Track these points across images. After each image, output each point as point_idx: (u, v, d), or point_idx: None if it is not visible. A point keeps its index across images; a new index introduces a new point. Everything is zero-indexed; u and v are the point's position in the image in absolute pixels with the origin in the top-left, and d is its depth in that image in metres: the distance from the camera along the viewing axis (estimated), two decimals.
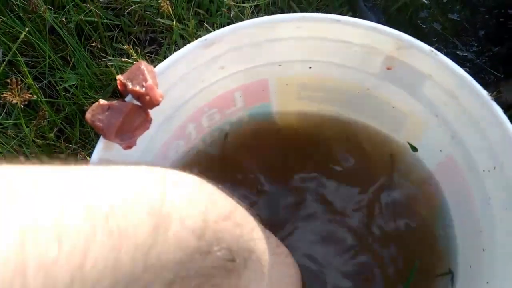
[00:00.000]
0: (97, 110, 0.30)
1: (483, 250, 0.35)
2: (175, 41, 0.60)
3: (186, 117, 0.40)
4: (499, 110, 0.31)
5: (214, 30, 0.36)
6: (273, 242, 0.28)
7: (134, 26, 0.63)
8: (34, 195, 0.14)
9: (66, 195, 0.15)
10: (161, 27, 0.63)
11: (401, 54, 0.35)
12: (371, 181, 0.42)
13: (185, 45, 0.35)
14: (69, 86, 0.58)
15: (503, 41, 0.58)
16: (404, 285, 0.38)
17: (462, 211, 0.38)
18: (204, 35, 0.35)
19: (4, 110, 0.58)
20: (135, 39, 0.63)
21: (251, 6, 0.61)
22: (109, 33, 0.62)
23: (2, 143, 0.53)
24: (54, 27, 0.59)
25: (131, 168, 0.19)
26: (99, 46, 0.60)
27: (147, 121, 0.32)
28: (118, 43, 0.62)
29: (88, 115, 0.30)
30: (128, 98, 0.32)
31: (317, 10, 0.62)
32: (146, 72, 0.31)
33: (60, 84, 0.58)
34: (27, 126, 0.53)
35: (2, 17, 0.59)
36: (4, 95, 0.42)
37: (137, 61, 0.32)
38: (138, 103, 0.31)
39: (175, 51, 0.35)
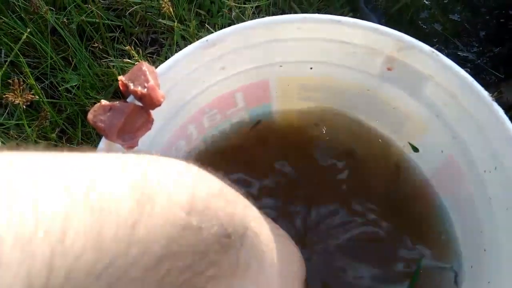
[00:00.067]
0: (99, 111, 0.31)
1: (484, 250, 0.35)
2: (176, 42, 0.60)
3: (187, 117, 0.40)
4: (500, 111, 0.32)
5: (215, 31, 0.36)
6: (271, 223, 0.28)
7: (136, 27, 0.64)
8: (11, 172, 0.15)
9: (44, 171, 0.15)
10: (162, 28, 0.63)
11: (402, 55, 0.35)
12: (372, 181, 0.42)
13: (186, 46, 0.35)
14: (70, 86, 0.59)
15: (503, 41, 0.59)
16: (409, 285, 0.38)
17: (462, 211, 0.38)
18: (205, 35, 0.35)
19: (6, 111, 0.58)
20: (136, 40, 0.63)
21: (252, 7, 0.61)
22: (110, 34, 0.63)
23: (4, 144, 0.53)
24: (55, 28, 0.59)
25: (111, 154, 0.19)
26: (100, 47, 0.60)
27: (148, 121, 0.32)
28: (119, 44, 0.62)
29: (90, 116, 0.30)
30: (130, 98, 0.32)
31: (318, 11, 0.62)
32: (147, 72, 0.31)
33: (62, 85, 0.59)
34: (29, 127, 0.53)
35: (4, 18, 0.59)
36: (7, 95, 0.43)
37: (139, 61, 0.32)
38: (139, 103, 0.31)
39: (176, 52, 0.35)
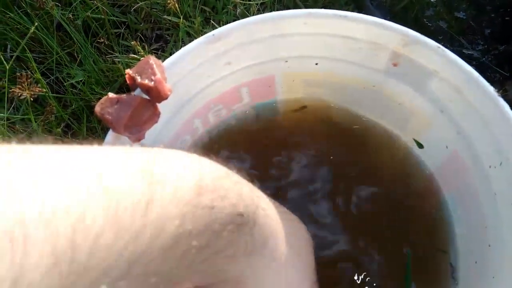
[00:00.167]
0: (106, 103, 0.31)
1: (489, 245, 0.35)
2: (181, 38, 0.60)
3: (193, 112, 0.40)
4: (505, 106, 0.32)
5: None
6: (274, 202, 0.28)
7: (141, 23, 0.64)
8: (31, 160, 0.16)
9: (63, 159, 0.16)
10: (167, 24, 0.63)
11: (408, 50, 0.35)
12: (376, 176, 0.42)
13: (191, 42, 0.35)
14: (76, 82, 0.59)
15: (509, 39, 0.59)
16: (404, 277, 0.38)
17: (467, 207, 0.38)
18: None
19: (12, 105, 0.58)
20: (141, 36, 0.63)
21: (257, 4, 0.61)
22: (115, 30, 0.63)
23: (10, 138, 0.53)
24: (61, 23, 0.60)
25: (118, 146, 0.20)
26: (106, 43, 0.60)
27: (155, 114, 0.32)
28: (124, 40, 0.62)
29: (97, 108, 0.31)
30: (137, 91, 0.32)
31: (323, 7, 0.62)
32: (154, 66, 0.31)
33: (67, 80, 0.59)
34: (35, 121, 0.53)
35: (10, 13, 0.60)
36: (13, 89, 0.43)
37: (144, 57, 0.32)
38: (146, 96, 0.32)
39: (181, 48, 0.35)
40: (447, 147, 0.39)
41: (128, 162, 0.18)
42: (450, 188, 0.40)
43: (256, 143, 0.43)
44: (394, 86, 0.39)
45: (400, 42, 0.35)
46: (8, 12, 0.60)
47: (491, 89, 0.32)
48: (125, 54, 0.61)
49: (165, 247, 0.18)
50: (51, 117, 0.53)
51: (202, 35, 0.35)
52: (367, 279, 0.38)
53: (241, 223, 0.22)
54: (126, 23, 0.64)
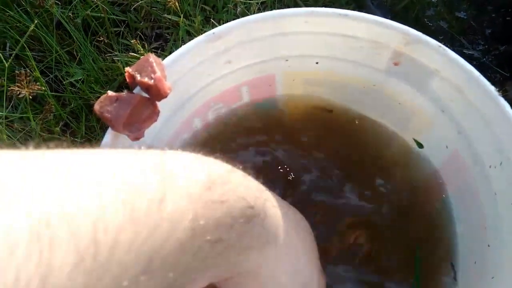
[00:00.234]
0: (106, 102, 0.31)
1: (488, 245, 0.35)
2: (181, 37, 0.60)
3: (193, 110, 0.40)
4: (506, 106, 0.31)
5: None
6: (276, 196, 0.29)
7: (141, 22, 0.64)
8: (50, 163, 0.17)
9: (75, 160, 0.17)
10: (167, 23, 0.63)
11: (409, 49, 0.35)
12: (376, 176, 0.42)
13: None
14: (75, 80, 0.59)
15: (509, 40, 0.58)
16: (413, 278, 0.38)
17: (467, 207, 0.38)
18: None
19: (11, 104, 0.58)
20: (141, 35, 0.63)
21: (258, 3, 0.61)
22: (115, 29, 0.63)
23: (9, 136, 0.53)
24: (61, 22, 0.60)
25: (126, 149, 0.21)
26: (105, 41, 0.60)
27: (155, 113, 0.32)
28: (124, 38, 0.62)
29: (96, 107, 0.30)
30: (136, 90, 0.32)
31: (323, 6, 0.62)
32: (154, 64, 0.31)
33: (67, 79, 0.59)
34: (33, 120, 0.53)
35: (9, 12, 0.60)
36: (12, 88, 0.43)
37: (143, 55, 0.32)
38: (146, 95, 0.31)
39: (181, 47, 0.35)
40: (447, 146, 0.39)
41: (140, 160, 0.19)
42: (450, 188, 0.40)
43: (256, 142, 0.42)
44: (395, 85, 0.39)
45: (401, 41, 0.35)
46: (7, 10, 0.60)
47: (492, 88, 0.32)
48: (124, 53, 0.60)
49: (181, 241, 0.18)
50: (49, 115, 0.53)
51: (202, 34, 0.35)
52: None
53: (252, 216, 0.23)
54: (126, 21, 0.63)
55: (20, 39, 0.56)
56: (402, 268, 0.39)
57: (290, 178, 0.41)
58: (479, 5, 0.60)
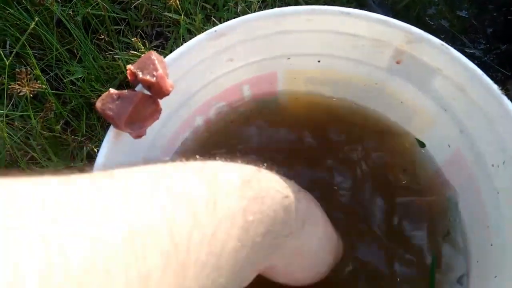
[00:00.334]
0: (107, 99, 0.30)
1: (491, 244, 0.35)
2: (182, 35, 0.60)
3: (194, 109, 0.40)
4: (509, 104, 0.31)
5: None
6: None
7: (141, 20, 0.64)
8: (133, 181, 0.19)
9: (144, 178, 0.20)
10: (168, 21, 0.63)
11: (411, 48, 0.35)
12: (378, 175, 0.42)
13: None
14: (75, 79, 0.58)
15: (511, 39, 0.58)
16: (429, 283, 0.38)
17: (470, 206, 0.38)
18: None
19: (11, 102, 0.58)
20: (141, 33, 0.63)
21: (258, 1, 0.61)
22: (115, 27, 0.62)
23: (9, 135, 0.53)
24: (61, 20, 0.59)
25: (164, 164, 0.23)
26: (106, 40, 0.60)
27: (157, 111, 0.32)
28: (124, 36, 0.62)
29: (98, 104, 0.30)
30: (138, 87, 0.32)
31: (325, 5, 0.62)
32: (156, 62, 0.31)
33: (67, 77, 0.59)
34: (34, 118, 0.53)
35: (9, 9, 0.59)
36: (13, 86, 0.43)
37: (144, 53, 0.32)
38: (148, 93, 0.31)
39: (181, 45, 0.35)
40: (449, 145, 0.38)
41: (188, 170, 0.22)
42: (452, 187, 0.40)
43: (258, 140, 0.42)
44: (397, 84, 0.39)
45: (403, 40, 0.35)
46: (7, 8, 0.59)
47: (494, 87, 0.32)
48: (125, 51, 0.60)
49: (239, 238, 0.21)
50: (50, 114, 0.53)
51: (202, 32, 0.35)
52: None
53: (288, 205, 0.26)
54: (126, 19, 0.63)
55: (20, 37, 0.56)
56: (405, 269, 0.39)
57: (289, 176, 0.41)
58: (480, 3, 0.60)
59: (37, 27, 0.57)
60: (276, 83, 0.42)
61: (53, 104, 0.53)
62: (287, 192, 0.26)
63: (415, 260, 0.39)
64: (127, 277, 0.15)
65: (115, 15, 0.62)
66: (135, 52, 0.56)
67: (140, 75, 0.31)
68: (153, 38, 0.64)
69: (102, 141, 0.32)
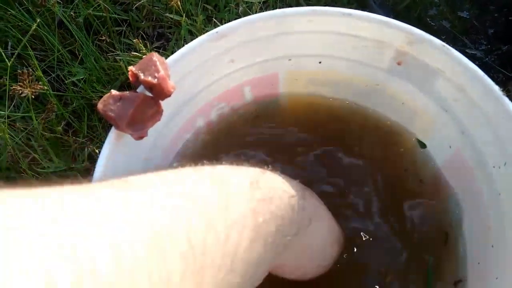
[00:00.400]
0: (109, 101, 0.30)
1: (492, 246, 0.35)
2: (183, 37, 0.60)
3: (196, 110, 0.40)
4: (510, 105, 0.31)
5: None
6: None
7: (142, 21, 0.64)
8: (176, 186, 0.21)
9: (188, 185, 0.22)
10: (169, 22, 0.63)
11: (412, 49, 0.35)
12: (379, 175, 0.42)
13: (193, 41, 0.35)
14: (77, 80, 0.59)
15: None
16: (427, 284, 0.38)
17: (470, 207, 0.38)
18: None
19: (13, 103, 0.58)
20: (143, 34, 0.63)
21: (259, 2, 0.61)
22: (117, 28, 0.63)
23: (11, 136, 0.53)
24: (62, 21, 0.59)
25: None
26: (107, 41, 0.60)
27: (158, 112, 0.32)
28: (126, 38, 0.62)
29: (100, 106, 0.30)
30: (140, 89, 0.32)
31: (326, 6, 0.62)
32: (158, 63, 0.31)
33: (69, 78, 0.59)
34: (36, 119, 0.53)
35: (11, 11, 0.59)
36: (14, 87, 0.43)
37: (146, 55, 0.32)
38: (150, 94, 0.31)
39: (183, 46, 0.35)
40: (450, 146, 0.38)
41: (198, 175, 0.23)
42: (453, 188, 0.40)
43: (259, 141, 0.42)
44: (398, 85, 0.39)
45: (404, 41, 0.35)
46: (9, 9, 0.60)
47: (495, 88, 0.32)
48: (126, 52, 0.60)
49: (251, 238, 0.22)
50: (52, 115, 0.53)
51: (204, 33, 0.35)
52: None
53: (295, 203, 0.27)
54: (128, 21, 0.63)
55: (22, 38, 0.56)
56: (405, 270, 0.39)
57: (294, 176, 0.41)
58: (481, 4, 0.60)
59: (38, 29, 0.57)
60: (277, 84, 0.42)
61: (55, 105, 0.53)
62: (293, 191, 0.27)
63: (414, 260, 0.39)
64: (151, 281, 0.16)
65: (116, 16, 0.62)
66: (137, 53, 0.56)
67: (142, 76, 0.31)
68: (154, 39, 0.64)
69: (103, 142, 0.32)
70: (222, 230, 0.20)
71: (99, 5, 0.60)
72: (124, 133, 0.32)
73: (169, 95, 0.31)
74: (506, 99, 0.32)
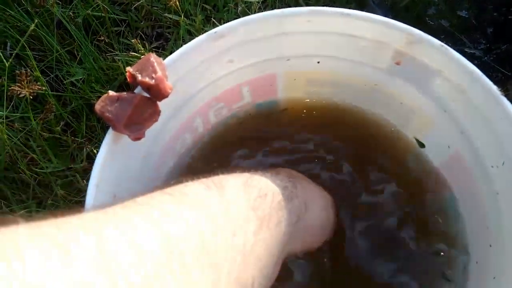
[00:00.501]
0: (106, 102, 0.30)
1: (490, 245, 0.35)
2: (182, 37, 0.60)
3: (194, 110, 0.40)
4: (508, 105, 0.31)
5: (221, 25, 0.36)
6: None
7: (141, 21, 0.64)
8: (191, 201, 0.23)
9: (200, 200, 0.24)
10: (168, 22, 0.63)
11: (411, 49, 0.35)
12: (377, 175, 0.42)
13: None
14: (76, 80, 0.58)
15: (511, 38, 0.58)
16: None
17: (469, 207, 0.38)
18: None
19: (11, 104, 0.58)
20: (142, 34, 0.63)
21: (258, 2, 0.61)
22: (116, 28, 0.62)
23: (9, 136, 0.53)
24: (61, 21, 0.59)
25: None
26: (106, 41, 0.60)
27: (156, 113, 0.32)
28: (125, 38, 0.62)
29: (97, 106, 0.30)
30: (138, 90, 0.32)
31: (324, 6, 0.62)
32: (155, 64, 0.31)
33: (67, 78, 0.59)
34: (34, 120, 0.53)
35: (10, 11, 0.59)
36: (13, 87, 0.43)
37: (144, 55, 0.32)
38: (147, 95, 0.31)
39: (181, 46, 0.35)
40: (449, 146, 0.38)
41: (199, 186, 0.25)
42: (451, 188, 0.40)
43: (257, 142, 0.42)
44: (397, 85, 0.39)
45: (403, 41, 0.35)
46: (8, 10, 0.59)
47: (494, 88, 0.32)
48: (125, 52, 0.60)
49: (256, 233, 0.24)
50: (50, 115, 0.53)
51: (203, 33, 0.35)
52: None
53: (290, 193, 0.29)
54: (127, 21, 0.63)
55: (20, 38, 0.56)
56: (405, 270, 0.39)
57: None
58: (480, 3, 0.60)
59: (37, 29, 0.57)
60: (275, 84, 0.42)
61: (53, 106, 0.53)
62: (285, 183, 0.29)
63: (413, 261, 0.39)
64: (176, 280, 0.18)
65: (115, 16, 0.62)
66: (135, 54, 0.56)
67: (139, 77, 0.31)
68: (153, 39, 0.64)
69: (102, 142, 0.32)
70: (227, 228, 0.22)
71: (98, 5, 0.60)
72: (121, 134, 0.31)
73: (167, 96, 0.31)
74: (505, 99, 0.32)
